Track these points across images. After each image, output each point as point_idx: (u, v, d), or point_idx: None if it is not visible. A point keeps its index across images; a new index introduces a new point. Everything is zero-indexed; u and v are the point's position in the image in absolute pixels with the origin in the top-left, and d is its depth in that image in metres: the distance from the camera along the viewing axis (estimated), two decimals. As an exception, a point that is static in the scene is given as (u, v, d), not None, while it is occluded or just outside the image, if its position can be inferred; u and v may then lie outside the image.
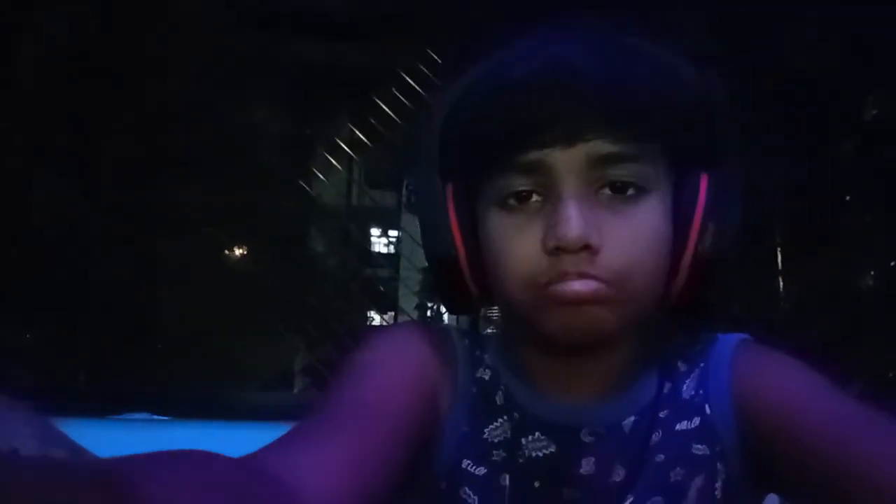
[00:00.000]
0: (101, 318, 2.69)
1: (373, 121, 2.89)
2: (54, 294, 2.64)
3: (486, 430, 0.68)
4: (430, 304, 3.64)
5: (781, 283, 2.85)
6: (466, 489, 0.66)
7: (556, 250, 0.59)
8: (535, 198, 0.62)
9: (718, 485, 0.65)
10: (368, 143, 2.99)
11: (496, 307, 0.72)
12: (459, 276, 0.66)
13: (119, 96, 2.77)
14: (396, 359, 0.65)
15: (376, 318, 3.27)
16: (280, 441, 0.52)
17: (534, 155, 0.60)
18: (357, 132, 3.03)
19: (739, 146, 0.66)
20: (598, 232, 0.59)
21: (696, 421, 0.66)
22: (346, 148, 3.08)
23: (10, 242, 2.59)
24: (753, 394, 0.64)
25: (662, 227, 0.62)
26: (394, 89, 2.80)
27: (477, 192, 0.66)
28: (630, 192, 0.61)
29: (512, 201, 0.62)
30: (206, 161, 2.87)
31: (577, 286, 0.59)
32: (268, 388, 2.89)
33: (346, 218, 3.31)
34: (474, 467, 0.66)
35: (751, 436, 0.64)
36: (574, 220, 0.58)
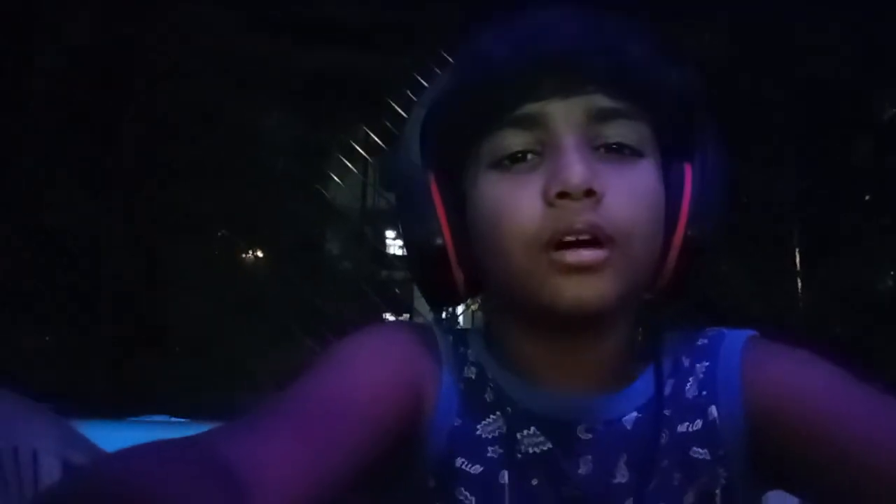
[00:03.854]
0: (118, 322, 2.71)
1: (388, 123, 2.89)
2: (72, 298, 2.66)
3: (478, 426, 0.65)
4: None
5: (800, 285, 2.83)
6: (462, 489, 0.63)
7: (559, 198, 0.58)
8: (531, 157, 0.61)
9: (718, 491, 0.63)
10: (384, 145, 3.00)
11: (481, 297, 0.70)
12: (444, 262, 0.64)
13: (136, 101, 2.79)
14: (369, 354, 0.63)
15: (392, 320, 3.27)
16: (231, 427, 0.51)
17: (532, 107, 0.60)
18: (372, 135, 3.04)
19: (720, 139, 0.66)
20: (600, 180, 0.58)
21: (699, 424, 0.64)
22: (361, 151, 3.09)
23: (28, 247, 2.61)
24: (767, 390, 0.62)
25: (659, 190, 0.62)
26: (409, 92, 2.80)
27: (463, 168, 0.64)
28: (627, 152, 0.60)
29: (507, 162, 0.61)
30: (222, 165, 2.89)
31: (586, 255, 0.57)
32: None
33: (362, 220, 3.32)
34: (469, 465, 0.64)
35: (762, 436, 0.62)
36: (577, 165, 0.57)
